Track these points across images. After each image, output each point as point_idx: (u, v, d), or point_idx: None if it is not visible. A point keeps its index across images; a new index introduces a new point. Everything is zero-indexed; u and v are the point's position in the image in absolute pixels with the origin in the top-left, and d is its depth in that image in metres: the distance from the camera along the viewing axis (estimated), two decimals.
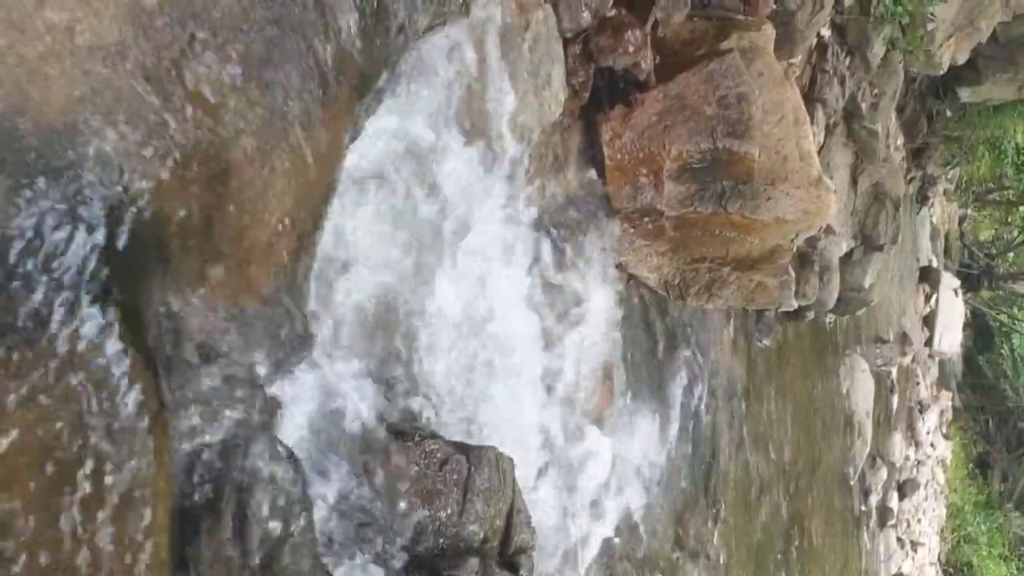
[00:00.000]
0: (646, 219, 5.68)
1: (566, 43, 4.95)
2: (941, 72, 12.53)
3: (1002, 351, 25.54)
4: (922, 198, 18.20)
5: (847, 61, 9.54)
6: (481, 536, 3.77)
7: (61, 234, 1.99)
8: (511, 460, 4.05)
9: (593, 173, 5.51)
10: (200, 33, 2.25)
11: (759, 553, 8.77)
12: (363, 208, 3.74)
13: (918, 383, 19.08)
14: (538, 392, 5.01)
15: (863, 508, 14.66)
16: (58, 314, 1.98)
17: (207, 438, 2.54)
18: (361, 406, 3.68)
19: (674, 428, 6.71)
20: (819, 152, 7.55)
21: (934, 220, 20.76)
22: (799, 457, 10.42)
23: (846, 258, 10.57)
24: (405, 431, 3.73)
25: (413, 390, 3.97)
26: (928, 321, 18.77)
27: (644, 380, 6.28)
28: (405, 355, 3.95)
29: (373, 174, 3.75)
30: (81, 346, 2.02)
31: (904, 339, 15.90)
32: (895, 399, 16.60)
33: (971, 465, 25.56)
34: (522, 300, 4.86)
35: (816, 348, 11.49)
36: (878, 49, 9.81)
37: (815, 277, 8.73)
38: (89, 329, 2.04)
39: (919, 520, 19.06)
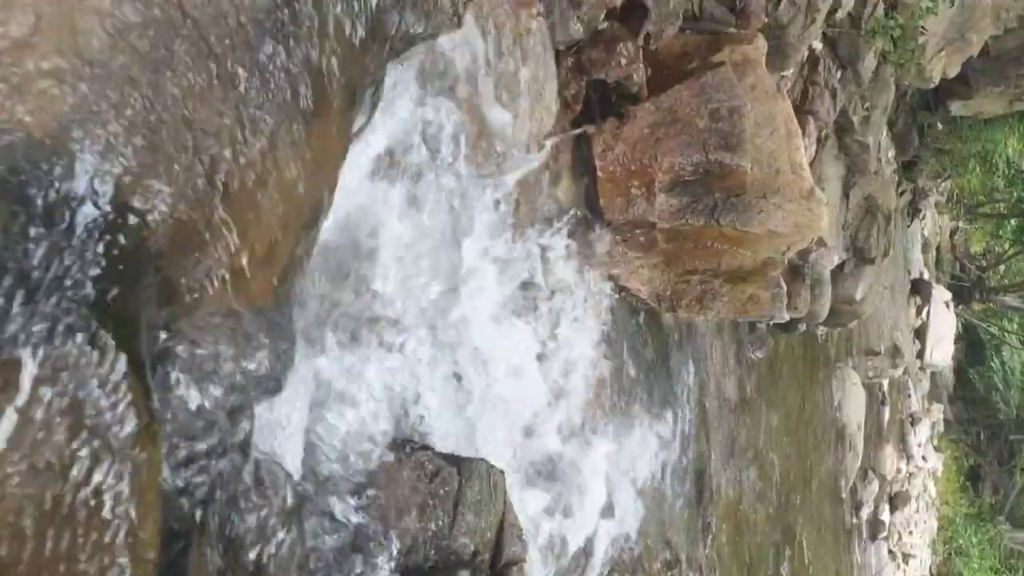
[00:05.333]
0: (638, 231, 5.69)
1: (559, 56, 4.96)
2: (932, 85, 12.61)
3: (993, 364, 25.56)
4: (913, 211, 18.24)
5: (839, 74, 9.59)
6: (472, 549, 3.77)
7: (55, 248, 1.98)
8: (502, 473, 4.04)
9: (585, 185, 5.51)
10: (191, 47, 2.25)
11: (751, 565, 8.76)
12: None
13: (909, 396, 19.09)
14: (530, 404, 5.01)
15: (854, 521, 14.66)
16: (50, 327, 1.97)
17: (197, 452, 2.52)
18: (351, 418, 3.68)
19: (666, 440, 6.71)
20: (811, 165, 7.57)
21: (925, 233, 20.81)
22: (791, 469, 10.42)
23: (838, 271, 10.58)
24: (396, 443, 3.72)
25: (403, 401, 3.97)
26: (919, 334, 18.80)
27: (636, 393, 6.28)
28: (395, 366, 3.95)
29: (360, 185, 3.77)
30: (72, 358, 2.01)
31: (895, 352, 15.92)
32: (887, 412, 16.61)
33: (962, 478, 25.58)
34: (513, 312, 4.86)
35: (808, 360, 11.50)
36: (869, 62, 9.87)
37: (807, 290, 8.75)
38: (81, 342, 2.03)
39: (910, 532, 19.04)
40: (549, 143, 5.05)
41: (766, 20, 6.79)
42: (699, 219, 5.58)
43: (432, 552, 3.62)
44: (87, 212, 2.05)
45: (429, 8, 3.44)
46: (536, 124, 4.69)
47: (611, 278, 5.84)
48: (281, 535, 2.89)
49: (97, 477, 2.05)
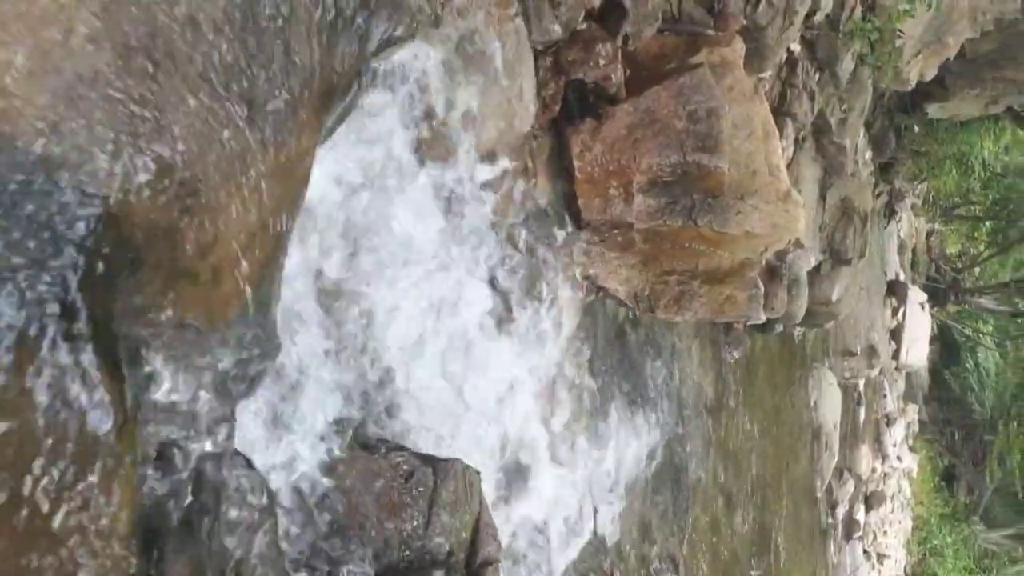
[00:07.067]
0: (616, 232, 5.69)
1: (537, 56, 4.96)
2: (909, 88, 12.66)
3: (967, 365, 25.74)
4: (890, 212, 18.34)
5: (816, 76, 9.62)
6: (447, 549, 3.76)
7: (34, 252, 1.98)
8: (478, 473, 4.04)
9: (563, 185, 5.51)
10: (167, 50, 2.24)
11: (727, 565, 8.79)
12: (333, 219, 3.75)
13: (885, 396, 19.20)
14: (506, 405, 5.00)
15: (830, 520, 14.73)
16: (30, 328, 1.97)
17: (174, 451, 2.52)
18: (328, 418, 3.67)
19: (642, 440, 6.72)
20: (788, 166, 7.61)
21: (902, 234, 20.94)
22: (767, 469, 10.46)
23: (814, 272, 10.63)
24: (371, 444, 3.72)
25: (379, 403, 3.96)
26: (895, 334, 18.91)
27: (613, 393, 6.29)
28: (370, 370, 3.94)
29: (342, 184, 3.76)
30: (51, 359, 2.01)
31: (871, 352, 16.01)
32: (862, 412, 16.71)
33: (937, 478, 25.75)
34: (489, 312, 4.86)
35: (784, 361, 11.55)
36: (847, 65, 9.91)
37: (784, 290, 8.78)
38: (60, 342, 2.02)
39: (885, 532, 19.16)
40: (527, 143, 5.06)
41: (744, 22, 6.82)
42: (677, 220, 5.59)
43: (407, 552, 3.62)
44: (63, 214, 2.04)
45: (407, 9, 3.43)
46: (515, 124, 4.69)
47: (589, 278, 5.84)
48: (257, 534, 2.88)
49: (74, 474, 2.04)
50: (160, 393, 2.40)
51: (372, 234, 3.92)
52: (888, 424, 19.22)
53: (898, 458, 19.76)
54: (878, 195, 16.42)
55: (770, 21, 7.25)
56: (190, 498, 2.59)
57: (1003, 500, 25.34)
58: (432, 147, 4.19)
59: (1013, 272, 24.88)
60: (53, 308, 2.03)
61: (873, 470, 17.65)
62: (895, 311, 18.76)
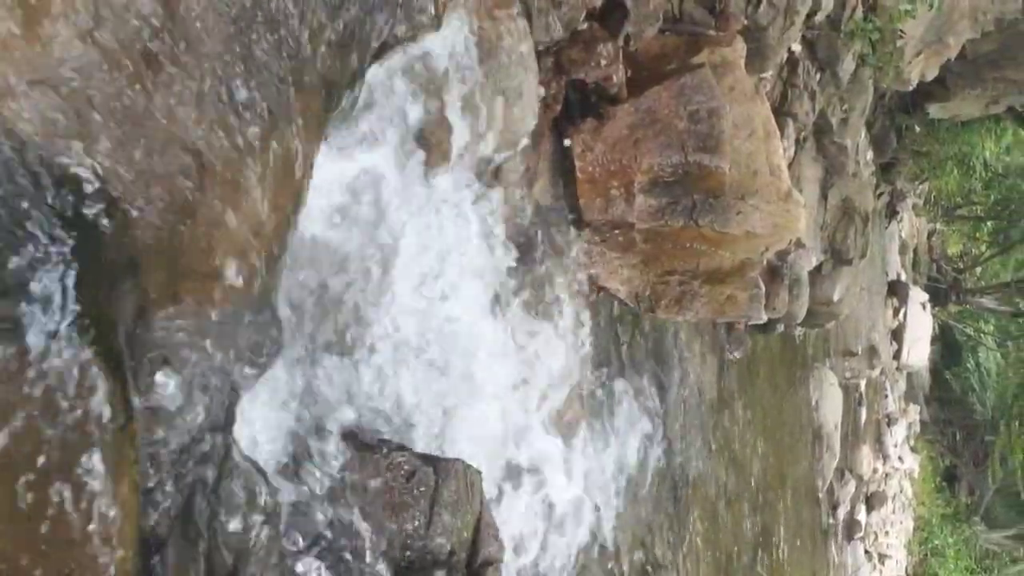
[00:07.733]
0: (617, 232, 5.69)
1: (538, 56, 4.95)
2: (910, 88, 12.68)
3: (969, 365, 25.74)
4: (891, 213, 18.35)
5: (818, 76, 9.63)
6: (448, 548, 3.76)
7: (34, 248, 1.98)
8: (479, 472, 4.04)
9: (564, 185, 5.51)
10: (166, 48, 2.24)
11: (727, 566, 8.78)
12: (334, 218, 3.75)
13: (886, 396, 19.21)
14: (507, 406, 5.00)
15: (831, 521, 14.72)
16: (30, 326, 1.97)
17: (175, 450, 2.52)
18: (329, 418, 3.67)
19: (644, 441, 6.72)
20: (789, 167, 7.60)
21: (903, 234, 20.95)
22: (768, 469, 10.46)
23: (815, 272, 10.63)
24: (372, 444, 3.72)
25: (381, 403, 3.96)
26: (896, 335, 18.91)
27: (613, 393, 6.28)
28: (372, 367, 3.94)
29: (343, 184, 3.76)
30: (52, 357, 2.00)
31: (873, 352, 16.01)
32: (863, 412, 16.70)
33: (938, 478, 25.76)
34: (490, 313, 4.85)
35: (785, 361, 11.54)
36: (848, 65, 9.92)
37: (785, 290, 8.78)
38: (60, 341, 2.02)
39: (887, 533, 19.17)
40: (528, 143, 5.06)
41: (745, 22, 6.82)
42: (678, 220, 5.59)
43: (408, 552, 3.62)
44: (67, 212, 2.04)
45: (409, 10, 3.43)
46: (516, 124, 4.69)
47: (590, 278, 5.84)
48: (258, 533, 2.88)
49: (75, 475, 2.04)
50: (162, 391, 2.40)
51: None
52: (889, 424, 19.22)
53: (899, 458, 19.77)
54: (879, 195, 16.43)
55: (771, 21, 7.25)
56: (191, 496, 2.60)
57: (1004, 500, 25.35)
58: (432, 148, 4.19)
59: (1014, 272, 24.87)
60: (53, 307, 2.03)
61: (874, 470, 17.65)
62: (896, 311, 18.76)
